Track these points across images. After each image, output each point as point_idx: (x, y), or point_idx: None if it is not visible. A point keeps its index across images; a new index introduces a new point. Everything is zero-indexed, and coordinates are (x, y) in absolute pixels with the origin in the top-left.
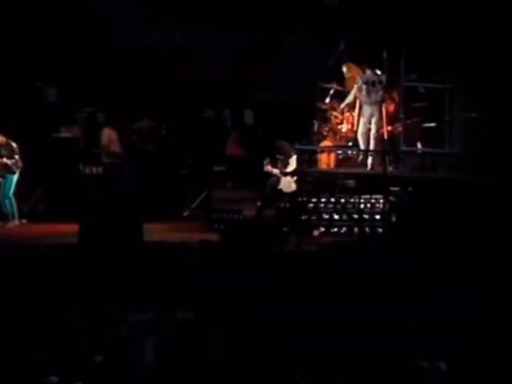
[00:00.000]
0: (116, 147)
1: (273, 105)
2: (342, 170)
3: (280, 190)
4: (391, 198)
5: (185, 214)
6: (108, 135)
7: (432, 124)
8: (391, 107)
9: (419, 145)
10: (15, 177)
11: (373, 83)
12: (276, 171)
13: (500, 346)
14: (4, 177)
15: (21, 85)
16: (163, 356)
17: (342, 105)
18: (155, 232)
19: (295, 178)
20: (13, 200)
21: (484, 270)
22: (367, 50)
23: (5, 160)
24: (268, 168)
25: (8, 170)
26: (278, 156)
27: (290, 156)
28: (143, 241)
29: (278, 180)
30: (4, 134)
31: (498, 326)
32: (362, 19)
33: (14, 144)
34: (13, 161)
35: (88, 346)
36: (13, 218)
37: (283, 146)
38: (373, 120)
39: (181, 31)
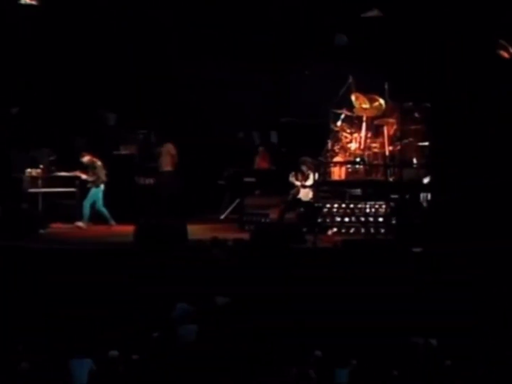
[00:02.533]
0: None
1: (294, 127)
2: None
3: (300, 199)
4: (392, 204)
5: (222, 217)
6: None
7: (426, 143)
8: (392, 130)
9: (414, 160)
10: (98, 190)
11: None
12: (298, 183)
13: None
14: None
15: (86, 111)
16: (203, 335)
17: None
18: (197, 232)
19: (312, 189)
20: (100, 208)
21: (481, 269)
22: (372, 82)
23: (83, 176)
24: (292, 179)
25: (91, 184)
26: (302, 169)
27: (311, 170)
28: (188, 240)
29: (298, 190)
30: (90, 153)
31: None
32: (368, 56)
33: (98, 163)
34: (94, 177)
35: (144, 327)
36: (109, 221)
37: (306, 162)
38: None
39: (219, 67)
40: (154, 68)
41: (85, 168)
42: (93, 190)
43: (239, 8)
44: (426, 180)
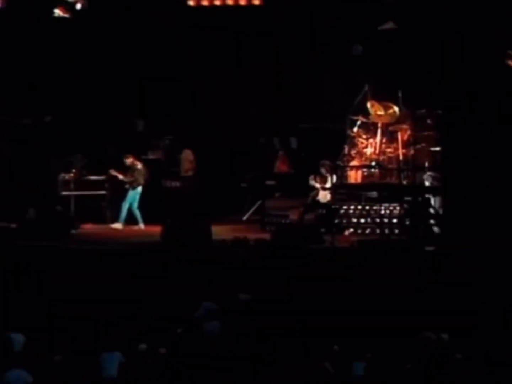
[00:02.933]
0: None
1: (312, 133)
2: (366, 184)
3: (318, 200)
4: (405, 205)
5: (244, 218)
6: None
7: (437, 148)
8: (405, 135)
9: (426, 164)
10: (135, 192)
11: None
12: (318, 185)
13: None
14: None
15: (116, 118)
16: (228, 331)
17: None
18: (221, 232)
19: (330, 191)
20: (134, 209)
21: (489, 268)
22: (386, 91)
23: (120, 176)
24: (312, 182)
25: (128, 185)
26: (321, 171)
27: (329, 173)
28: (212, 240)
29: (317, 193)
30: (134, 156)
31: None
32: (383, 66)
33: (139, 166)
34: (131, 179)
35: (170, 322)
36: (139, 223)
37: (325, 165)
38: None
39: (240, 73)
40: (179, 78)
41: (126, 169)
42: (131, 192)
43: (261, 19)
44: (427, 183)
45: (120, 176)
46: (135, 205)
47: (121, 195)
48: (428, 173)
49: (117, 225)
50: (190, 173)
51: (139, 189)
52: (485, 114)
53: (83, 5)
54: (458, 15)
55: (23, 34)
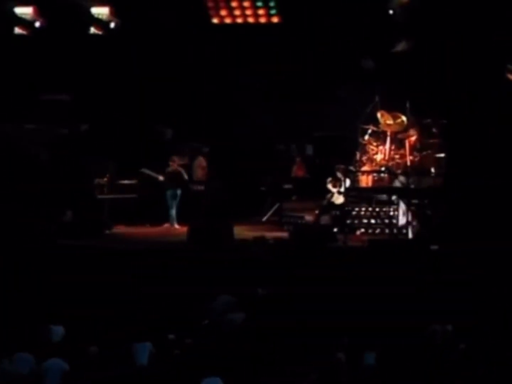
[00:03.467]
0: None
1: (326, 140)
2: (376, 187)
3: (333, 202)
4: (412, 208)
5: (264, 219)
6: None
7: (442, 155)
8: (412, 143)
9: (432, 170)
10: (174, 193)
11: None
12: (334, 189)
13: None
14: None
15: (147, 127)
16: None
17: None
18: (242, 232)
19: (343, 194)
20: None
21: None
22: (395, 101)
23: (161, 177)
24: (329, 186)
25: (168, 187)
26: (337, 175)
27: (344, 177)
28: (234, 239)
29: (332, 195)
30: (177, 161)
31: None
32: (392, 79)
33: (180, 169)
34: (173, 182)
35: (195, 314)
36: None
37: (340, 169)
38: None
39: (260, 86)
40: (204, 92)
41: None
42: (169, 193)
43: (280, 36)
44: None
45: (161, 177)
46: (174, 205)
47: (153, 196)
48: (400, 178)
49: (170, 225)
50: (203, 179)
51: (179, 191)
52: (486, 123)
53: (116, 24)
54: (461, 33)
55: (60, 50)
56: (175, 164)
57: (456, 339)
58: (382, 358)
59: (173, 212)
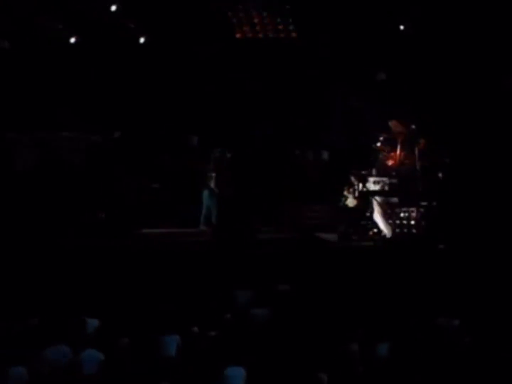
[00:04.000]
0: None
1: (341, 147)
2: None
3: (347, 205)
4: (421, 209)
5: (281, 220)
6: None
7: (448, 160)
8: (421, 149)
9: (439, 175)
10: (208, 195)
11: None
12: (350, 195)
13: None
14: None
15: (174, 135)
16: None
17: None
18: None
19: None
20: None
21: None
22: (406, 111)
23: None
24: (345, 192)
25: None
26: (351, 179)
27: (358, 182)
28: (255, 238)
29: (347, 199)
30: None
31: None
32: (402, 90)
33: (213, 174)
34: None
35: (219, 309)
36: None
37: (355, 174)
38: None
39: (278, 98)
40: (227, 102)
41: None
42: (209, 196)
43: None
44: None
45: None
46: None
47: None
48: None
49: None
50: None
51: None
52: (487, 132)
53: (146, 38)
54: (466, 47)
55: (94, 64)
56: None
57: (462, 332)
58: (394, 349)
59: (208, 212)
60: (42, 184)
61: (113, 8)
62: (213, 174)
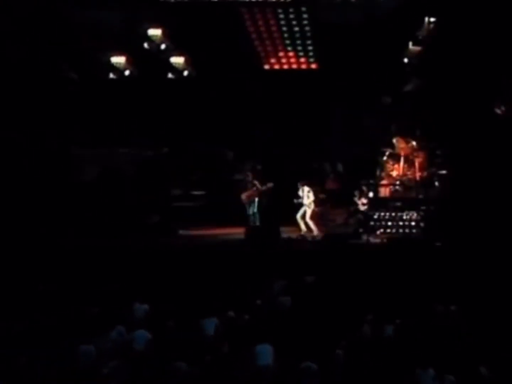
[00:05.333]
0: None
1: (353, 159)
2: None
3: (358, 209)
4: (421, 213)
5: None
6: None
7: (444, 172)
8: (421, 162)
9: (436, 183)
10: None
11: None
12: (359, 201)
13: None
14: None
15: (213, 151)
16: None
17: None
18: (287, 232)
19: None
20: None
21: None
22: (408, 129)
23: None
24: (356, 199)
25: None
26: (362, 188)
27: (368, 190)
28: (280, 237)
29: (357, 204)
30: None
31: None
32: (405, 112)
33: (255, 181)
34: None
35: (251, 296)
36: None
37: (366, 184)
38: None
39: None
40: (256, 123)
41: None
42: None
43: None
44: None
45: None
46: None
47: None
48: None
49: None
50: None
51: (256, 199)
52: (479, 147)
53: (189, 72)
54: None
55: (145, 92)
56: (249, 177)
57: (457, 316)
58: (399, 330)
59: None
60: (104, 192)
61: (163, 46)
62: (252, 183)
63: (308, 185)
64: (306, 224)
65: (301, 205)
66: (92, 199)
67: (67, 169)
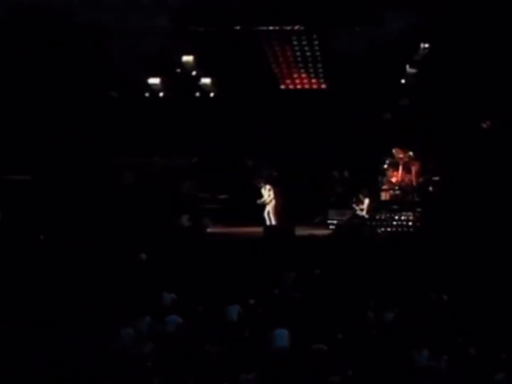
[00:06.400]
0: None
1: (358, 168)
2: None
3: (357, 214)
4: (416, 214)
5: (315, 221)
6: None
7: (437, 178)
8: (417, 169)
9: (430, 189)
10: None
11: None
12: (356, 207)
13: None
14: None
15: (235, 160)
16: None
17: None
18: (300, 231)
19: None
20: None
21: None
22: (405, 141)
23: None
24: (354, 205)
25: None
26: (360, 196)
27: (365, 197)
28: (295, 235)
29: (356, 210)
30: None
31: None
32: (403, 127)
33: (268, 187)
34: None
35: (269, 286)
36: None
37: (363, 191)
38: None
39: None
40: (275, 132)
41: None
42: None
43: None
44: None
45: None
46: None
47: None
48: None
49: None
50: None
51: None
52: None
53: (216, 93)
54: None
55: (176, 110)
56: (266, 186)
57: (449, 304)
58: (398, 316)
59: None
60: (141, 196)
61: (194, 73)
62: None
63: (269, 184)
64: (270, 218)
65: (264, 205)
66: (132, 202)
67: (110, 175)
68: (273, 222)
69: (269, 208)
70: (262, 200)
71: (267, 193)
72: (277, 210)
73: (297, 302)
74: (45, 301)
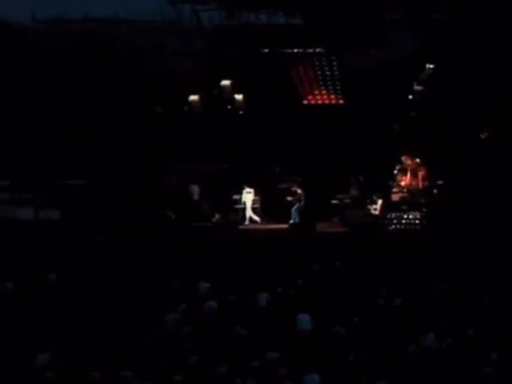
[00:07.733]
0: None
1: (371, 173)
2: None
3: (371, 213)
4: (423, 213)
5: (335, 220)
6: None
7: (440, 182)
8: (423, 174)
9: (434, 191)
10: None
11: None
12: (371, 207)
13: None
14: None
15: (265, 167)
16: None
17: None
18: (321, 227)
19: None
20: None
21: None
22: (413, 149)
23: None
24: (368, 206)
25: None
26: (373, 197)
27: (378, 198)
28: (316, 231)
29: (370, 210)
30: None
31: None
32: (410, 137)
33: (299, 191)
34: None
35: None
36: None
37: (377, 194)
38: None
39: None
40: (296, 144)
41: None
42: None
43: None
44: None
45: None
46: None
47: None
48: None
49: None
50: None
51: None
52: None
53: (245, 108)
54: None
55: (211, 123)
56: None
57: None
58: (405, 302)
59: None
60: (180, 198)
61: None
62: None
63: (249, 187)
64: (251, 217)
65: (244, 208)
66: (174, 202)
67: (153, 178)
68: (256, 219)
69: (249, 208)
70: (242, 205)
71: (246, 195)
72: (302, 210)
73: (318, 290)
74: (105, 294)
